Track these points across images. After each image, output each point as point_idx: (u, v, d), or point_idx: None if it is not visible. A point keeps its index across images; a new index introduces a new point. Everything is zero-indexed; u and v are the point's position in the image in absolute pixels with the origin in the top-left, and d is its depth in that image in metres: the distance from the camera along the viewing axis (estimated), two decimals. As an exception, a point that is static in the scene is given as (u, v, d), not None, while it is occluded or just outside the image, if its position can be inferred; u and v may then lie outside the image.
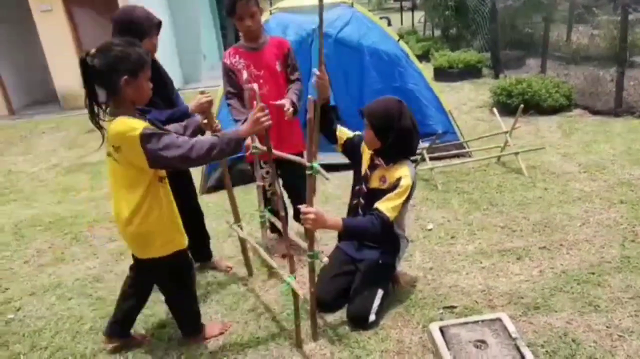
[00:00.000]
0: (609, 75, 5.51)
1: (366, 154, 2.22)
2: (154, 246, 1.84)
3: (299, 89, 2.54)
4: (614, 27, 5.70)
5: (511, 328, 1.93)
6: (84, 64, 1.62)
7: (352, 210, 2.27)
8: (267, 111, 1.74)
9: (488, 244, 2.76)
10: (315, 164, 1.78)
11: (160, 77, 2.29)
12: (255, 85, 1.93)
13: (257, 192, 2.55)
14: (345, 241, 2.38)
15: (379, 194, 2.08)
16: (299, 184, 2.68)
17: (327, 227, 1.95)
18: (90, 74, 1.63)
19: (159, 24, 2.25)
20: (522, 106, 3.82)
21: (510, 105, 5.16)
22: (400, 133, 2.05)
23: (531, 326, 2.05)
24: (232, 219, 2.56)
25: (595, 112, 5.04)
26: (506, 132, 3.80)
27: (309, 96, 1.75)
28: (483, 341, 1.89)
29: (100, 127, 1.70)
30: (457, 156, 4.09)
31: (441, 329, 1.97)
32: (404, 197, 2.05)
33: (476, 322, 2.00)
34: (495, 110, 4.21)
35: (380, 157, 2.13)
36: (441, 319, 2.12)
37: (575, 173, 3.61)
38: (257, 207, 2.63)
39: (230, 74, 2.52)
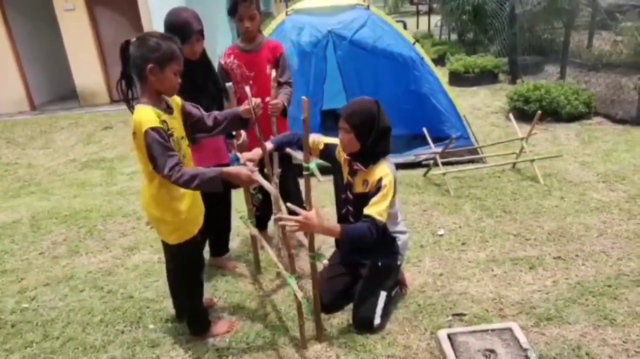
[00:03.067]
0: (631, 83, 5.37)
1: (343, 160, 2.17)
2: (166, 231, 1.92)
3: (288, 93, 2.55)
4: (639, 33, 5.56)
5: (522, 338, 1.89)
6: (123, 51, 1.75)
7: (343, 219, 2.22)
8: (255, 177, 1.81)
9: (500, 251, 2.71)
10: (312, 165, 1.78)
11: (206, 80, 2.39)
12: (247, 88, 2.02)
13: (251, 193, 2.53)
14: (342, 248, 2.35)
15: (366, 198, 2.03)
16: (291, 187, 2.75)
17: (319, 233, 1.90)
18: (127, 60, 1.75)
19: (199, 31, 2.26)
20: (539, 112, 3.75)
21: (527, 111, 5.07)
22: (380, 133, 2.01)
23: (543, 338, 2.01)
24: (240, 218, 2.57)
25: (616, 121, 4.92)
26: (522, 139, 3.74)
27: (303, 97, 1.75)
28: (492, 351, 1.85)
29: (132, 108, 1.82)
30: (471, 161, 4.04)
31: (449, 337, 1.94)
32: (390, 196, 2.00)
33: (486, 331, 1.97)
34: (511, 116, 4.14)
35: (357, 161, 2.07)
36: (450, 327, 2.09)
37: (593, 182, 3.53)
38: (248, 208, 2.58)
39: (221, 74, 2.62)
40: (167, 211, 1.87)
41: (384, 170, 2.03)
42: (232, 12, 2.50)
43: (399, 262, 2.25)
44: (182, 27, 2.19)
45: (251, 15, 2.48)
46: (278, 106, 2.37)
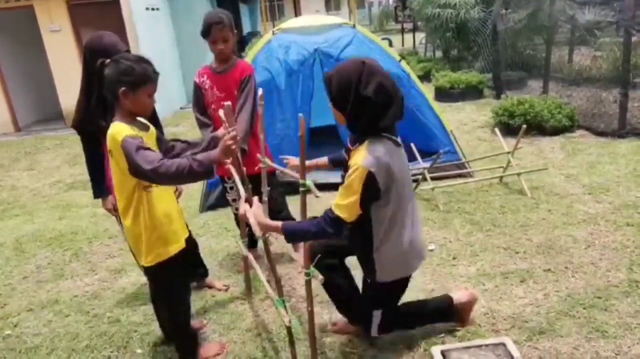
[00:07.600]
0: (611, 96, 5.51)
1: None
2: (142, 251, 1.86)
3: (242, 120, 2.41)
4: (617, 48, 5.73)
5: (515, 353, 1.88)
6: (99, 71, 1.75)
7: None
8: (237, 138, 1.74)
9: (491, 265, 2.71)
10: (308, 182, 1.77)
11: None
12: (222, 111, 1.90)
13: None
14: (291, 243, 2.15)
15: None
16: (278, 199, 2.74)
17: (260, 229, 1.77)
18: (101, 80, 1.75)
19: (126, 52, 2.21)
20: (524, 126, 3.82)
21: (512, 125, 5.16)
22: (359, 101, 1.65)
23: (536, 352, 2.00)
24: (231, 237, 2.54)
25: (598, 134, 5.02)
26: (508, 153, 3.79)
27: (300, 114, 1.75)
28: (486, 367, 1.84)
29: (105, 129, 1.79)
30: (459, 175, 4.07)
31: (443, 353, 1.92)
32: (354, 190, 1.64)
33: (479, 346, 1.95)
34: (497, 130, 4.21)
35: (350, 140, 1.83)
36: (443, 343, 2.07)
37: (579, 194, 3.58)
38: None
39: (197, 92, 2.65)
40: (143, 226, 1.81)
41: (359, 157, 1.67)
42: (205, 34, 2.46)
43: (385, 279, 1.91)
44: (110, 50, 2.10)
45: (225, 37, 2.46)
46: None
